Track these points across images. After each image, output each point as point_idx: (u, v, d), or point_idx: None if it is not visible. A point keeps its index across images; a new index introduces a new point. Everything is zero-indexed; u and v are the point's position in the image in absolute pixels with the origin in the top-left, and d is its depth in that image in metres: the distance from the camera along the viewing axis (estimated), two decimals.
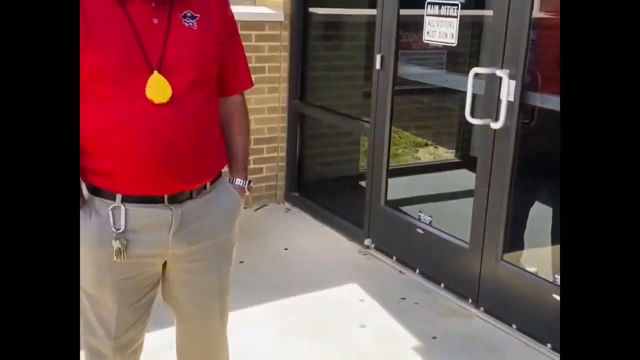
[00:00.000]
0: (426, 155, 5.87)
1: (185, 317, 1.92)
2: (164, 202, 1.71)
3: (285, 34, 4.08)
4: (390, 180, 3.56)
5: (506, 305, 2.87)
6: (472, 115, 2.82)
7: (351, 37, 4.49)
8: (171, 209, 1.72)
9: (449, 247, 3.17)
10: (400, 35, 3.35)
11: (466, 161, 5.13)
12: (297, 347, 2.70)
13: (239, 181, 1.92)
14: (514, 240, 3.01)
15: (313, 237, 3.87)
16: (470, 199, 4.50)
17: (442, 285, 3.20)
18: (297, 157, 4.31)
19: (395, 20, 3.29)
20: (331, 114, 4.12)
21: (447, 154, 5.83)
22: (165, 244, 1.74)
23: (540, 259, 3.18)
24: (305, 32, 4.11)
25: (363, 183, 4.54)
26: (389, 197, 3.57)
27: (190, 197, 1.75)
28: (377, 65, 3.40)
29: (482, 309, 2.99)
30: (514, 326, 2.83)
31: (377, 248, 3.62)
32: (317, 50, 4.29)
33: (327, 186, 4.53)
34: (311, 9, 4.10)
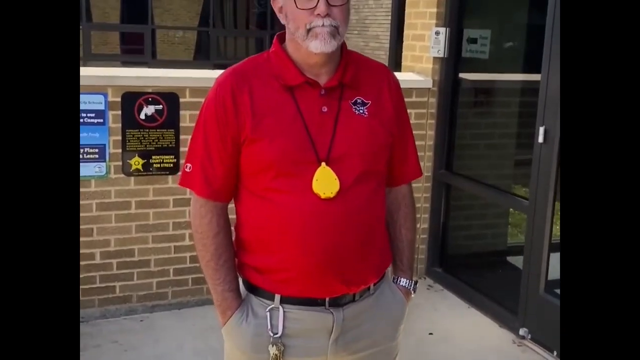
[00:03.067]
0: None
1: None
2: (324, 305, 1.55)
3: (433, 100, 3.91)
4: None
5: None
6: None
7: (504, 103, 4.23)
8: (332, 313, 1.56)
9: None
10: None
11: None
12: None
13: (404, 281, 1.73)
14: None
15: (459, 320, 3.56)
16: None
17: None
18: (441, 230, 4.06)
19: None
20: (482, 186, 3.84)
21: None
22: (324, 351, 1.57)
23: None
24: (454, 98, 3.91)
25: (511, 259, 4.19)
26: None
27: (353, 300, 1.58)
28: (540, 139, 3.10)
29: None
30: None
31: (534, 339, 3.24)
32: (466, 118, 4.07)
33: (473, 262, 4.22)
34: (462, 75, 3.90)
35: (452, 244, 4.13)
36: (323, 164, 1.49)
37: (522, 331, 3.29)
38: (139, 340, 3.20)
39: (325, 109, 1.52)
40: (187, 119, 3.34)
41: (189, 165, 1.57)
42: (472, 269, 4.12)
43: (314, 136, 1.50)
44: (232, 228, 1.63)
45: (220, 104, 1.51)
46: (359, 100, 1.56)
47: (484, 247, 4.32)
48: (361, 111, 1.56)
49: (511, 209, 4.18)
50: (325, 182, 1.49)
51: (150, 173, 3.34)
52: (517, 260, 3.71)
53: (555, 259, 3.29)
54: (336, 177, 1.49)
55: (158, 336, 3.24)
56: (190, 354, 3.08)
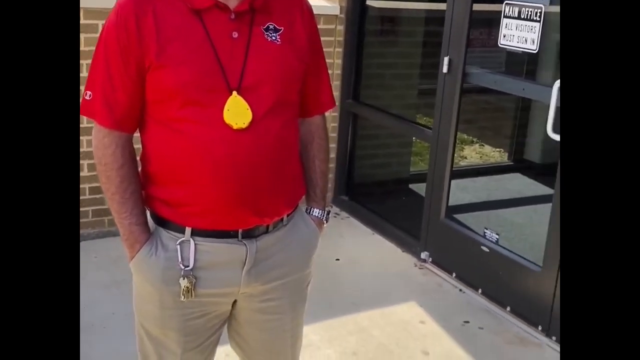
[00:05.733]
0: (472, 153, 5.64)
1: None
2: (237, 237, 1.53)
3: (341, 28, 3.86)
4: None
5: None
6: (554, 130, 2.58)
7: (410, 33, 4.25)
8: (245, 245, 1.54)
9: (518, 268, 2.94)
10: (471, 35, 3.10)
11: (520, 165, 4.91)
12: None
13: (316, 212, 1.73)
14: None
15: (364, 246, 3.67)
16: (529, 207, 4.32)
17: (508, 309, 2.98)
18: (348, 159, 4.11)
19: (467, 18, 3.04)
20: (388, 116, 3.89)
21: (494, 153, 5.61)
22: (237, 282, 1.56)
23: None
24: (362, 27, 3.88)
25: (414, 187, 4.34)
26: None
27: (266, 232, 1.57)
28: (444, 69, 3.16)
29: (554, 338, 2.77)
30: None
31: (434, 262, 3.40)
32: (373, 47, 4.06)
33: (377, 190, 4.33)
34: (369, 2, 3.86)
35: (358, 173, 4.20)
36: (234, 93, 1.44)
37: (423, 255, 3.44)
38: None
39: (235, 34, 1.45)
40: (82, 42, 3.11)
41: (89, 92, 1.47)
42: (377, 197, 4.23)
43: (224, 63, 1.43)
44: (138, 159, 1.55)
45: (122, 27, 1.40)
46: (271, 27, 1.50)
47: (388, 175, 4.43)
48: (273, 38, 1.50)
49: (414, 138, 4.28)
50: (237, 112, 1.44)
51: None
52: (419, 188, 3.84)
53: (454, 185, 3.43)
54: (248, 107, 1.44)
55: None
56: (93, 285, 3.00)
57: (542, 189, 4.05)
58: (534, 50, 2.76)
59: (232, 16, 1.45)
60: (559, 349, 2.73)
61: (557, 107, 2.57)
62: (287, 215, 1.61)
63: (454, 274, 3.28)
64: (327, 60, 3.86)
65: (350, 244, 3.67)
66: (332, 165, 4.09)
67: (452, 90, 3.17)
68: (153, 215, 1.56)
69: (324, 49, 1.73)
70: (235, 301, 1.62)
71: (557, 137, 2.59)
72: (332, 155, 4.07)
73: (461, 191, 4.24)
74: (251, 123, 1.45)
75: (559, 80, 2.55)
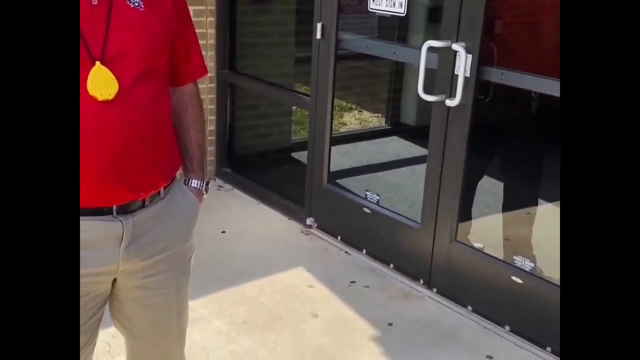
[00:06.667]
0: (351, 120, 5.77)
1: (138, 338, 1.70)
2: (112, 214, 1.48)
3: None
4: None
5: (460, 286, 2.81)
6: (425, 90, 2.69)
7: (282, 0, 4.23)
8: (121, 221, 1.49)
9: (399, 226, 3.06)
10: (342, 0, 3.14)
11: (397, 128, 5.08)
12: (250, 344, 2.53)
13: (195, 182, 1.71)
14: (462, 214, 2.94)
15: (250, 216, 3.67)
16: (407, 168, 4.49)
17: (392, 266, 3.11)
18: (228, 131, 4.06)
19: None
20: (267, 85, 3.88)
21: (372, 119, 5.77)
22: (115, 260, 1.51)
23: (487, 234, 3.16)
24: None
25: (296, 155, 4.37)
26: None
27: (143, 206, 1.53)
28: (318, 35, 3.18)
29: (434, 290, 2.92)
30: (469, 308, 2.79)
31: (320, 227, 3.47)
32: (246, 16, 4.01)
33: (260, 160, 4.32)
34: None
35: (239, 144, 4.17)
36: (98, 63, 1.37)
37: (308, 221, 3.50)
38: None
39: (95, 1, 1.38)
40: None
41: None
42: (260, 167, 4.23)
43: (85, 33, 1.36)
44: None
45: None
46: None
47: (270, 145, 4.43)
48: (136, 4, 1.44)
49: (294, 107, 4.31)
50: (101, 83, 1.38)
51: None
52: (301, 156, 3.88)
53: (335, 151, 3.49)
54: (114, 77, 1.39)
55: None
56: None
57: (418, 150, 4.22)
58: (402, 13, 2.84)
59: None
60: (439, 299, 2.89)
61: (425, 69, 2.67)
62: (164, 188, 1.57)
63: (339, 237, 3.36)
64: (199, 30, 3.77)
65: (236, 216, 3.66)
66: (212, 137, 4.03)
67: (326, 56, 3.20)
68: None
69: (195, 19, 1.69)
70: (115, 279, 1.57)
71: (427, 98, 2.70)
72: (212, 127, 4.01)
73: (342, 157, 4.33)
74: (117, 94, 1.39)
75: (427, 42, 2.65)
